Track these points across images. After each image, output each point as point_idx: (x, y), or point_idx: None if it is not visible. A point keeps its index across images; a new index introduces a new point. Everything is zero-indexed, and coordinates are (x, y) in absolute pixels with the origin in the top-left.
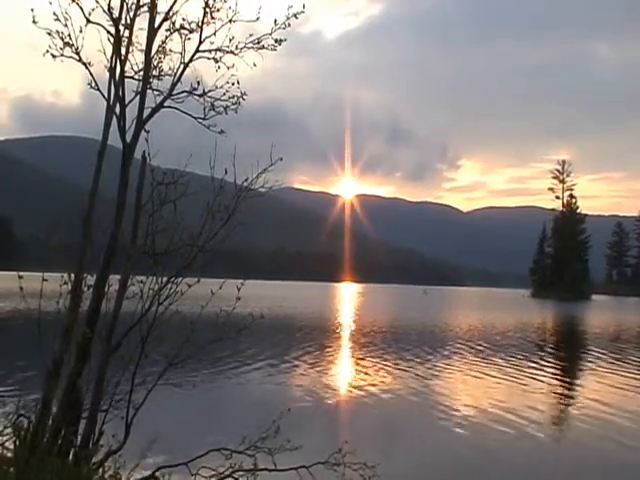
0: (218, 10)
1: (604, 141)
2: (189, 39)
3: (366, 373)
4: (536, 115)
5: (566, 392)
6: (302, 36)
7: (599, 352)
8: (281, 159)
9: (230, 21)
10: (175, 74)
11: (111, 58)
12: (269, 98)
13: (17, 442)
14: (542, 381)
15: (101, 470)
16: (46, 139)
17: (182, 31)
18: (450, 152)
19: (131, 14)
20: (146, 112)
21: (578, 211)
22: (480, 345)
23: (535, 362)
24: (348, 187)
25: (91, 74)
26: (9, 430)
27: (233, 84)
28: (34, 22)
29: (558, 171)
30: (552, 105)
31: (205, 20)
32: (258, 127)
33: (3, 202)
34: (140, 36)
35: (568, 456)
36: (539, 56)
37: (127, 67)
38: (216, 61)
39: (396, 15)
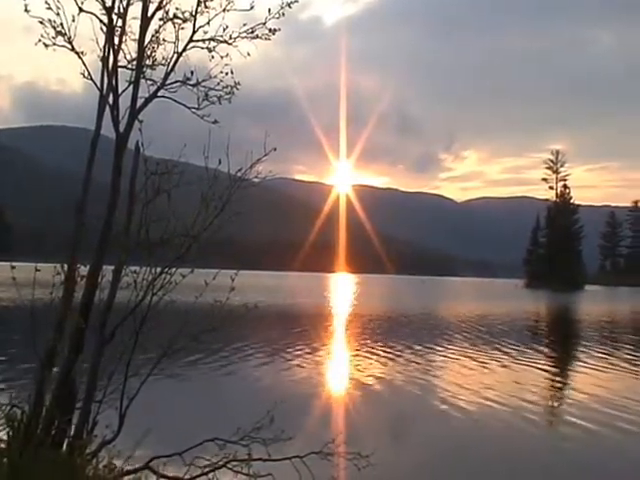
0: None
1: (602, 131)
2: (182, 28)
3: (362, 364)
4: (534, 104)
5: (564, 379)
6: (301, 23)
7: (592, 340)
8: (275, 149)
9: (224, 10)
10: (169, 64)
11: (104, 47)
12: (268, 87)
13: (10, 433)
14: (537, 370)
15: (95, 460)
16: (43, 128)
17: (175, 20)
18: (449, 142)
19: (124, 3)
20: (139, 102)
21: (571, 201)
22: (477, 335)
23: (529, 351)
24: (344, 177)
25: (84, 63)
26: (2, 421)
27: (227, 74)
28: (26, 10)
29: (552, 161)
30: (550, 94)
31: (199, 9)
32: (257, 116)
33: None
34: (133, 25)
35: (567, 445)
36: (537, 44)
37: (120, 57)
38: (210, 50)
39: (396, 1)
